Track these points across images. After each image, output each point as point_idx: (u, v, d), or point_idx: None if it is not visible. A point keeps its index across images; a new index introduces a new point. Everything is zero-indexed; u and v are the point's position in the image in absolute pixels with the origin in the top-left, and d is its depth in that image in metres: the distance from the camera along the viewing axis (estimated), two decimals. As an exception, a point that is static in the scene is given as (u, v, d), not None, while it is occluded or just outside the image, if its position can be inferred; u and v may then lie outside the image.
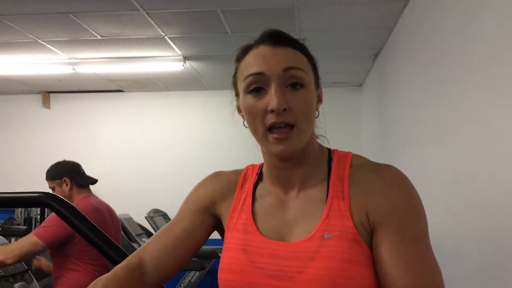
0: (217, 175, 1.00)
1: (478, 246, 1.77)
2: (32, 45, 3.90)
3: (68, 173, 2.51)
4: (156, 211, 4.75)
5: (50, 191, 2.47)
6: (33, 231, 2.33)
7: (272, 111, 0.80)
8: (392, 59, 3.58)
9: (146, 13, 3.20)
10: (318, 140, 0.94)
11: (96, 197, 2.61)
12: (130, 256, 0.94)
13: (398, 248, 0.79)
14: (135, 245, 3.58)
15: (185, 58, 4.25)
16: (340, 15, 3.21)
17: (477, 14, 1.80)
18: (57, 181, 2.49)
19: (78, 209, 1.18)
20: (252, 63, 0.85)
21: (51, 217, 2.32)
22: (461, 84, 1.98)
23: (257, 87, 0.83)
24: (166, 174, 5.43)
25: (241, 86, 0.86)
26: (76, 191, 2.50)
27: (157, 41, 3.80)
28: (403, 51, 3.19)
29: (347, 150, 0.94)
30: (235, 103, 0.93)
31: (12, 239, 4.62)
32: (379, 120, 4.10)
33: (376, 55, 4.16)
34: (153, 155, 5.53)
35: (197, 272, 4.23)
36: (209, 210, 0.96)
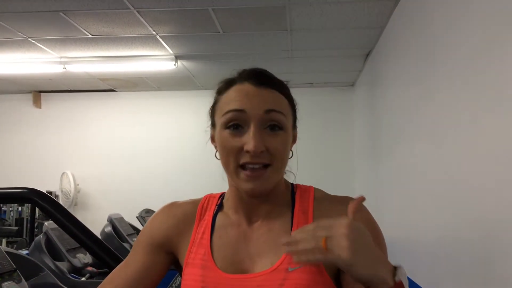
0: (172, 207, 0.96)
1: (469, 244, 1.78)
2: (22, 43, 3.87)
3: None
4: (148, 211, 4.73)
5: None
6: None
7: (247, 151, 0.81)
8: (383, 59, 3.59)
9: (137, 11, 3.18)
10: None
11: None
12: None
13: None
14: (126, 245, 3.54)
15: (177, 57, 4.24)
16: (331, 14, 3.21)
17: (466, 13, 1.81)
18: None
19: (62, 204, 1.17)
20: (234, 99, 0.84)
21: None
22: (451, 83, 1.99)
23: (236, 124, 0.83)
24: (157, 174, 5.42)
25: (219, 120, 0.86)
26: None
27: (149, 40, 3.79)
28: (394, 51, 3.20)
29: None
30: (209, 131, 0.93)
31: (3, 240, 4.59)
32: (371, 119, 4.12)
33: (367, 55, 4.17)
34: (145, 155, 5.51)
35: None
36: (164, 247, 0.93)
